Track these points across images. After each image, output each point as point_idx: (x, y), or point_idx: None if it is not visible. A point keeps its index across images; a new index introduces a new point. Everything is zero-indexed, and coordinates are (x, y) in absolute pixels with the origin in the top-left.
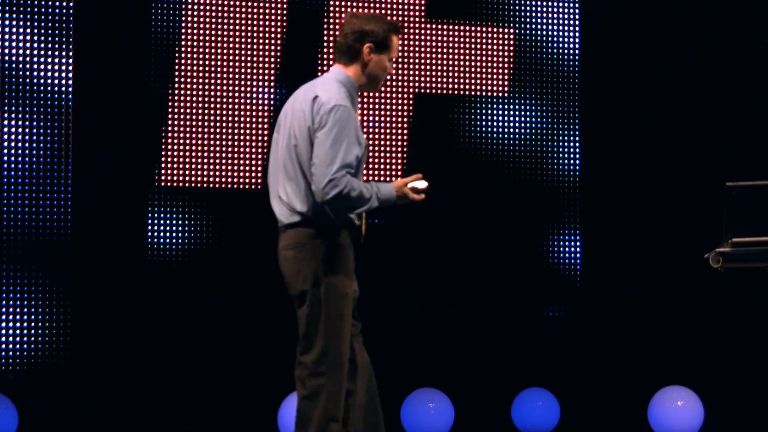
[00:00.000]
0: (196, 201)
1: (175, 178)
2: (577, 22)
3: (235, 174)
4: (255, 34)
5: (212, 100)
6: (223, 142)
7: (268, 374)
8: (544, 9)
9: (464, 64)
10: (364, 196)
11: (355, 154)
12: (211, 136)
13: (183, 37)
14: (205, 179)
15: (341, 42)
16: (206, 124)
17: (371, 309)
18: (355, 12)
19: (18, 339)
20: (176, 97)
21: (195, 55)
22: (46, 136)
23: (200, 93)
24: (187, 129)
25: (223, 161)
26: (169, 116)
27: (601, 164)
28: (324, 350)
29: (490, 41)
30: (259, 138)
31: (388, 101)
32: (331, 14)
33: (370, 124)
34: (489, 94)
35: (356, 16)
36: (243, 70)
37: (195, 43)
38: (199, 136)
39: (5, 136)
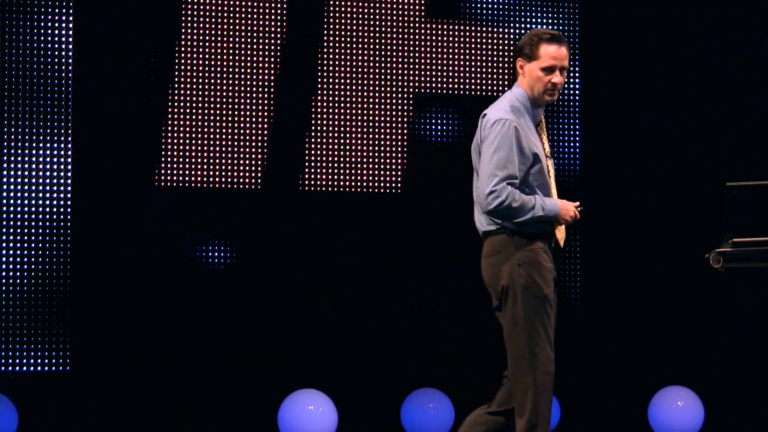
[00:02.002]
0: (196, 201)
1: (174, 178)
2: (577, 22)
3: (235, 174)
4: (255, 34)
5: (212, 100)
6: (223, 142)
7: (268, 374)
8: (545, 9)
9: (464, 64)
10: (526, 206)
11: (517, 164)
12: (211, 136)
13: (183, 37)
14: (205, 179)
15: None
16: (206, 124)
17: (371, 309)
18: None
19: (18, 339)
20: (176, 97)
21: (194, 55)
22: (46, 135)
23: (200, 93)
24: (187, 129)
25: (223, 161)
26: (169, 116)
27: (601, 164)
28: (523, 352)
29: (490, 41)
30: (259, 138)
31: (388, 101)
32: (331, 14)
33: (370, 124)
34: (489, 94)
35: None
36: (243, 70)
37: (195, 43)
38: (199, 136)
39: (5, 136)
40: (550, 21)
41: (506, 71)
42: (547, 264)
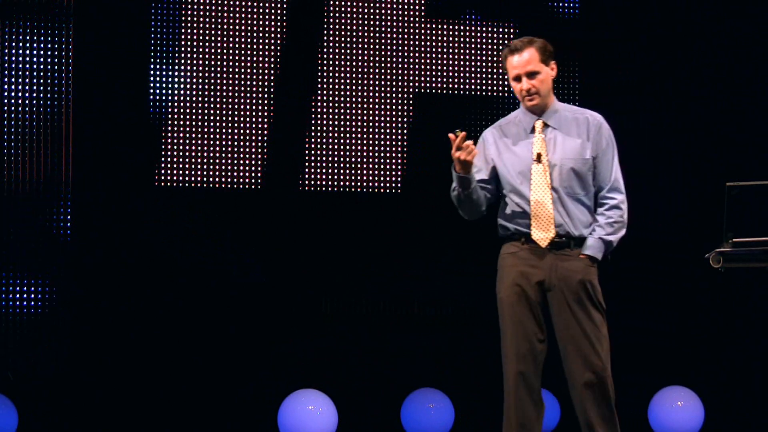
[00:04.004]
0: (196, 201)
1: (174, 178)
2: (577, 21)
3: (235, 174)
4: (255, 34)
5: (212, 100)
6: (223, 142)
7: (268, 374)
8: (544, 8)
9: (464, 63)
10: (455, 196)
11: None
12: (211, 136)
13: (183, 36)
14: (205, 179)
15: None
16: (206, 124)
17: (371, 309)
18: None
19: (18, 339)
20: (176, 97)
21: (195, 55)
22: (47, 135)
23: (199, 93)
24: (187, 129)
25: (223, 161)
26: (169, 116)
27: None
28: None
29: (490, 40)
30: (259, 138)
31: (388, 101)
32: (331, 14)
33: (370, 124)
34: (489, 94)
35: None
36: (243, 70)
37: (195, 43)
38: (199, 136)
39: (5, 136)
40: (549, 20)
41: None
42: (512, 267)
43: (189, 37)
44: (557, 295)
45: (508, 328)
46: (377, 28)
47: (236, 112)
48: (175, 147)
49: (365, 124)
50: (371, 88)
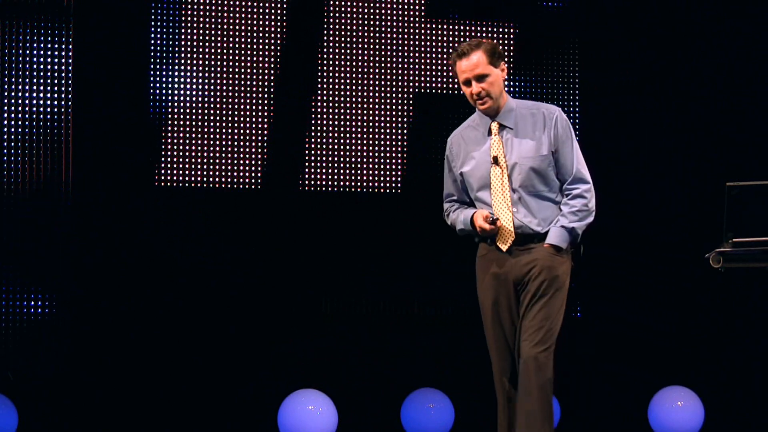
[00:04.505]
0: (196, 201)
1: (174, 178)
2: (577, 21)
3: (235, 174)
4: (255, 34)
5: (212, 100)
6: (223, 142)
7: (268, 374)
8: (544, 8)
9: None
10: (455, 223)
11: (449, 181)
12: (211, 136)
13: (183, 36)
14: (205, 179)
15: None
16: (206, 124)
17: (371, 309)
18: None
19: (18, 339)
20: (176, 97)
21: (195, 55)
22: (46, 135)
23: (200, 93)
24: (187, 129)
25: (223, 161)
26: (169, 116)
27: (601, 164)
28: None
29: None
30: (259, 138)
31: (388, 101)
32: (331, 14)
33: (370, 124)
34: None
35: None
36: (243, 70)
37: (195, 43)
38: (199, 136)
39: (5, 136)
40: (549, 20)
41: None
42: (484, 271)
43: (189, 37)
44: (525, 287)
45: (491, 340)
46: (377, 28)
47: (236, 112)
48: (175, 147)
49: (365, 124)
50: (371, 88)
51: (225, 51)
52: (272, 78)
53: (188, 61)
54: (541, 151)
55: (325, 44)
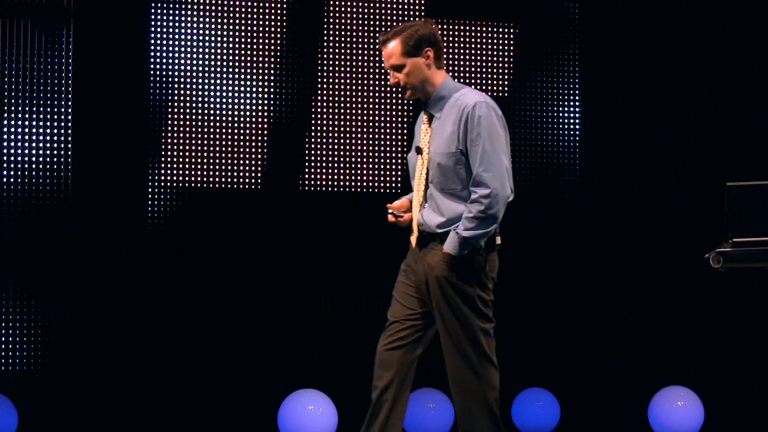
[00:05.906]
0: (196, 201)
1: (174, 178)
2: (577, 20)
3: (235, 174)
4: (255, 34)
5: (212, 100)
6: (223, 142)
7: (268, 374)
8: (544, 7)
9: (464, 63)
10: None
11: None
12: (211, 136)
13: (183, 36)
14: (205, 179)
15: None
16: (206, 124)
17: (371, 309)
18: None
19: (18, 339)
20: (175, 97)
21: (195, 55)
22: (46, 136)
23: (200, 93)
24: (187, 129)
25: (223, 161)
26: (169, 116)
27: (601, 164)
28: None
29: (490, 40)
30: (259, 138)
31: (388, 101)
32: (331, 14)
33: (370, 124)
34: (489, 93)
35: None
36: (242, 70)
37: (195, 43)
38: (199, 136)
39: (5, 136)
40: (549, 20)
41: (506, 71)
42: (404, 264)
43: (189, 37)
44: (430, 300)
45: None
46: (377, 28)
47: (236, 113)
48: (175, 147)
49: (365, 124)
50: (371, 88)
51: (225, 51)
52: (272, 78)
53: (188, 61)
54: (450, 147)
55: (325, 44)
